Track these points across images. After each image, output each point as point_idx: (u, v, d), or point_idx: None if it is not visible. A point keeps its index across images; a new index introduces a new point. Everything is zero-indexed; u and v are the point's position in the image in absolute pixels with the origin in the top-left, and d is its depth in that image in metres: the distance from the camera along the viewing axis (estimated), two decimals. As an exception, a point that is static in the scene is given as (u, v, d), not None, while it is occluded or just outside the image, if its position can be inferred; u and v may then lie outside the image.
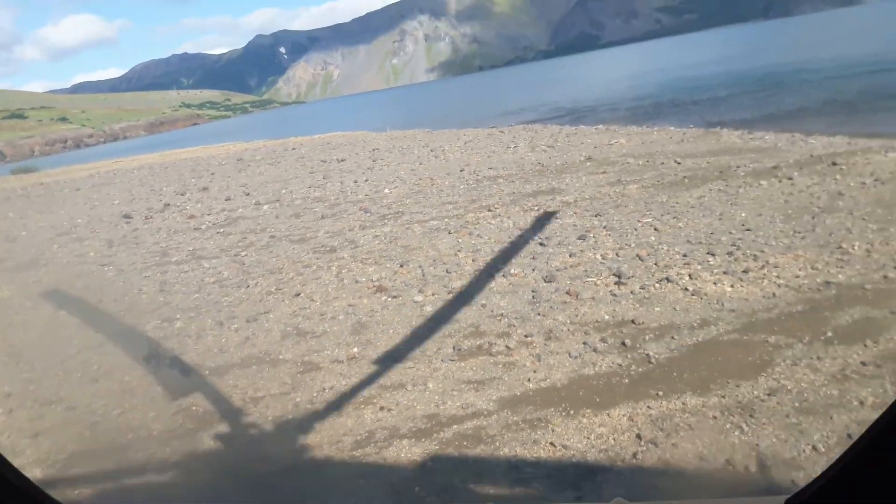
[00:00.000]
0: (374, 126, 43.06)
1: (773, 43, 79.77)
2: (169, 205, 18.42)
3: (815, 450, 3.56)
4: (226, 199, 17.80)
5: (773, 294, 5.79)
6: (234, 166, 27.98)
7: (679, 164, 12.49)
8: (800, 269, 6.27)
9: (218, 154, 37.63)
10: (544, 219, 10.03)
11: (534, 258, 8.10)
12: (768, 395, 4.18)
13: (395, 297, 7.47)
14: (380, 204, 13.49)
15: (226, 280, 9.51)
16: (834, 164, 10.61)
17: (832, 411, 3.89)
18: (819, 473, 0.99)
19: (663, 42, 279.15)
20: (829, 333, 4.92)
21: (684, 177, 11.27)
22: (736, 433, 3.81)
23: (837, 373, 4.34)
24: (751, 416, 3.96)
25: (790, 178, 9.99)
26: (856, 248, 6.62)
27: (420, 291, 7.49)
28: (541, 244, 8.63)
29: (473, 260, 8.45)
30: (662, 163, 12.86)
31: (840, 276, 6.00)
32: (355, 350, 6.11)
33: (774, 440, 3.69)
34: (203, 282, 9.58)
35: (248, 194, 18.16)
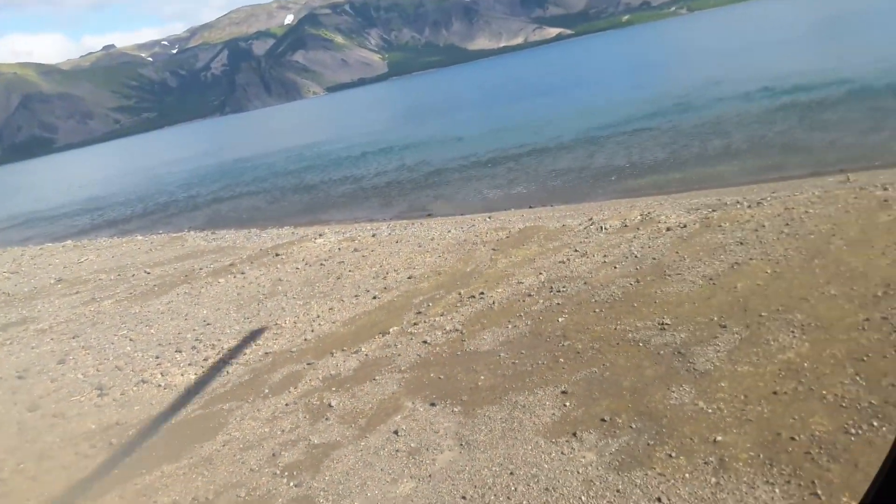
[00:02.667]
0: None
1: (229, 139, 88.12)
2: None
3: (251, 470, 5.26)
4: None
5: (227, 372, 7.54)
6: None
7: (149, 273, 13.69)
8: (248, 348, 8.21)
9: None
10: (19, 350, 9.96)
11: (14, 392, 8.21)
12: (223, 445, 5.78)
13: None
14: None
15: None
16: (277, 255, 13.32)
17: (263, 442, 5.69)
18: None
19: (124, 142, 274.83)
20: (266, 390, 6.85)
21: (154, 285, 12.53)
22: (201, 479, 5.26)
23: (270, 416, 6.22)
24: (210, 463, 5.47)
25: (243, 273, 12.23)
26: (287, 322, 8.94)
27: None
28: (19, 377, 8.72)
29: (-62, 412, 8.02)
30: (133, 274, 13.85)
31: (275, 346, 8.14)
32: None
33: (227, 474, 5.26)
34: None
35: None
